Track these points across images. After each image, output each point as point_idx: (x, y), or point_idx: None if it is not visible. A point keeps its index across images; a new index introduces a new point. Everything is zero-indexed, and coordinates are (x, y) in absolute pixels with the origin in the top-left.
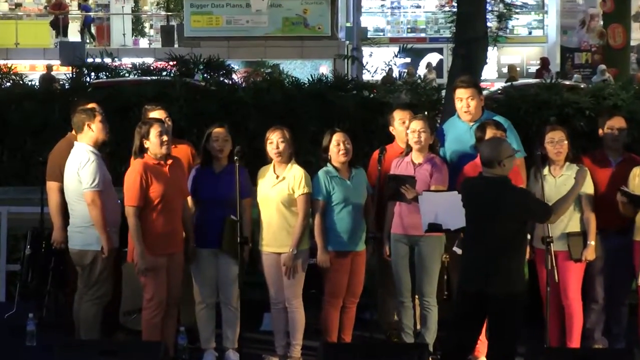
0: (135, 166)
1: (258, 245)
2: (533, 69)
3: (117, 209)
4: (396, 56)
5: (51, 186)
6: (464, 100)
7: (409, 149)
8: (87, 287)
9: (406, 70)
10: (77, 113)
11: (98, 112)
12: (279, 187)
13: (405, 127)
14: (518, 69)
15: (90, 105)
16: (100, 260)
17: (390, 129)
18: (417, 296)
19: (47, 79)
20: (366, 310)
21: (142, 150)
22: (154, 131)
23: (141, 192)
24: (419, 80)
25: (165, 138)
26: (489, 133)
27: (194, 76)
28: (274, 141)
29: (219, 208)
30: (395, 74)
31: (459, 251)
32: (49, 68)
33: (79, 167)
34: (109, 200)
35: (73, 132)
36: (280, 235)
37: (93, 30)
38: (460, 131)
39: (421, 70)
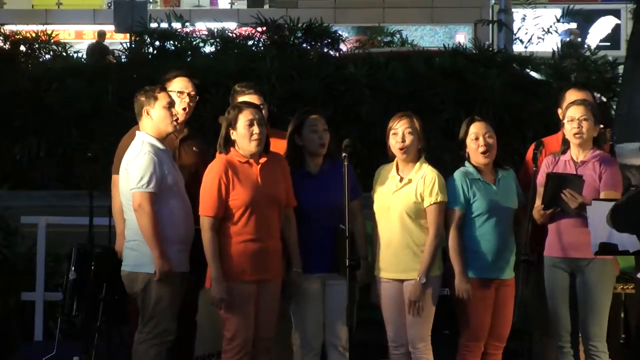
0: (214, 165)
1: (373, 269)
2: None
3: (189, 222)
4: (558, 21)
5: (117, 181)
6: None
7: (566, 146)
8: (141, 322)
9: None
10: (138, 94)
11: (163, 93)
12: (403, 193)
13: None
14: None
15: (178, 80)
16: (155, 286)
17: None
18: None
19: (98, 49)
20: (518, 357)
21: (228, 143)
22: (243, 119)
23: (219, 199)
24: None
25: (256, 130)
26: None
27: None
28: (400, 132)
29: (326, 220)
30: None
31: None
32: (101, 35)
33: (128, 161)
34: (176, 209)
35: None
36: (404, 256)
37: None
38: None
39: (591, 39)
